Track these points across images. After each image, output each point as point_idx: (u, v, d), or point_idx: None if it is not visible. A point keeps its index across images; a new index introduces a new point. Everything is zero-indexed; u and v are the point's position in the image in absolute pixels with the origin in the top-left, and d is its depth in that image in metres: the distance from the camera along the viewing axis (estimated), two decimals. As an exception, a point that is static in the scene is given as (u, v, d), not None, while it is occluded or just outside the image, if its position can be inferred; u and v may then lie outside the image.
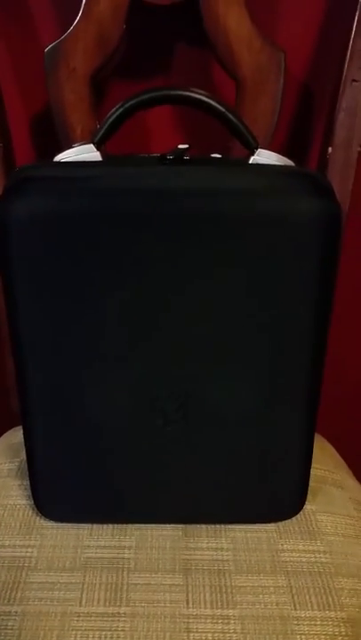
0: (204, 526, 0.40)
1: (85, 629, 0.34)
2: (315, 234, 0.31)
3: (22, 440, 0.48)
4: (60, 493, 0.39)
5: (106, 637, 0.33)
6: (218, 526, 0.40)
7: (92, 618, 0.34)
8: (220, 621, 0.34)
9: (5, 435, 0.51)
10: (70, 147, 0.35)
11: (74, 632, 0.33)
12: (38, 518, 0.40)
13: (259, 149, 0.35)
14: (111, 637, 0.33)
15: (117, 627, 0.34)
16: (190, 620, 0.34)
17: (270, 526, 0.40)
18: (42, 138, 0.55)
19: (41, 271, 0.32)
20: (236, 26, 0.45)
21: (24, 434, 0.37)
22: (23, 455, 0.46)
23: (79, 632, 0.33)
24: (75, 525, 0.40)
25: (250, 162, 0.35)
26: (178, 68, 0.52)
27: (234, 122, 0.34)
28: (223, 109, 0.34)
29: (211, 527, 0.40)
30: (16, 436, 0.49)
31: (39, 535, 0.39)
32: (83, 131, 0.48)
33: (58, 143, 0.49)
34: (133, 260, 0.32)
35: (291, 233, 0.31)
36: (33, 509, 0.41)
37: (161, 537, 0.39)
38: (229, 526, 0.40)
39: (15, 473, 0.45)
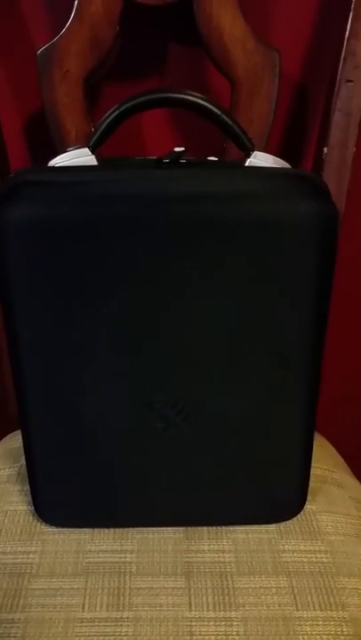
0: (205, 528, 0.40)
1: (89, 635, 0.34)
2: (312, 236, 0.31)
3: (21, 445, 0.48)
4: (61, 498, 0.39)
5: (109, 643, 0.33)
6: (219, 528, 0.40)
7: (96, 623, 0.34)
8: (222, 624, 0.34)
9: (4, 440, 0.51)
10: (65, 151, 0.35)
11: (77, 638, 0.33)
12: (39, 524, 0.40)
13: (255, 152, 0.35)
14: (115, 642, 0.33)
15: (121, 632, 0.34)
16: (193, 623, 0.34)
17: (271, 527, 0.40)
18: (35, 141, 0.54)
19: (37, 276, 0.32)
20: (229, 26, 0.45)
21: (23, 439, 0.37)
22: (23, 460, 0.46)
23: (82, 638, 0.33)
24: (75, 530, 0.40)
25: (246, 164, 0.35)
26: (172, 70, 0.52)
27: (230, 125, 0.34)
28: (219, 112, 0.34)
29: (212, 529, 0.40)
30: (15, 440, 0.49)
31: (40, 541, 0.39)
32: (77, 134, 0.48)
33: (52, 146, 0.48)
34: (131, 265, 0.32)
35: (288, 235, 0.31)
36: (33, 515, 0.41)
37: (162, 540, 0.39)
38: (230, 528, 0.40)
39: (15, 478, 0.45)
